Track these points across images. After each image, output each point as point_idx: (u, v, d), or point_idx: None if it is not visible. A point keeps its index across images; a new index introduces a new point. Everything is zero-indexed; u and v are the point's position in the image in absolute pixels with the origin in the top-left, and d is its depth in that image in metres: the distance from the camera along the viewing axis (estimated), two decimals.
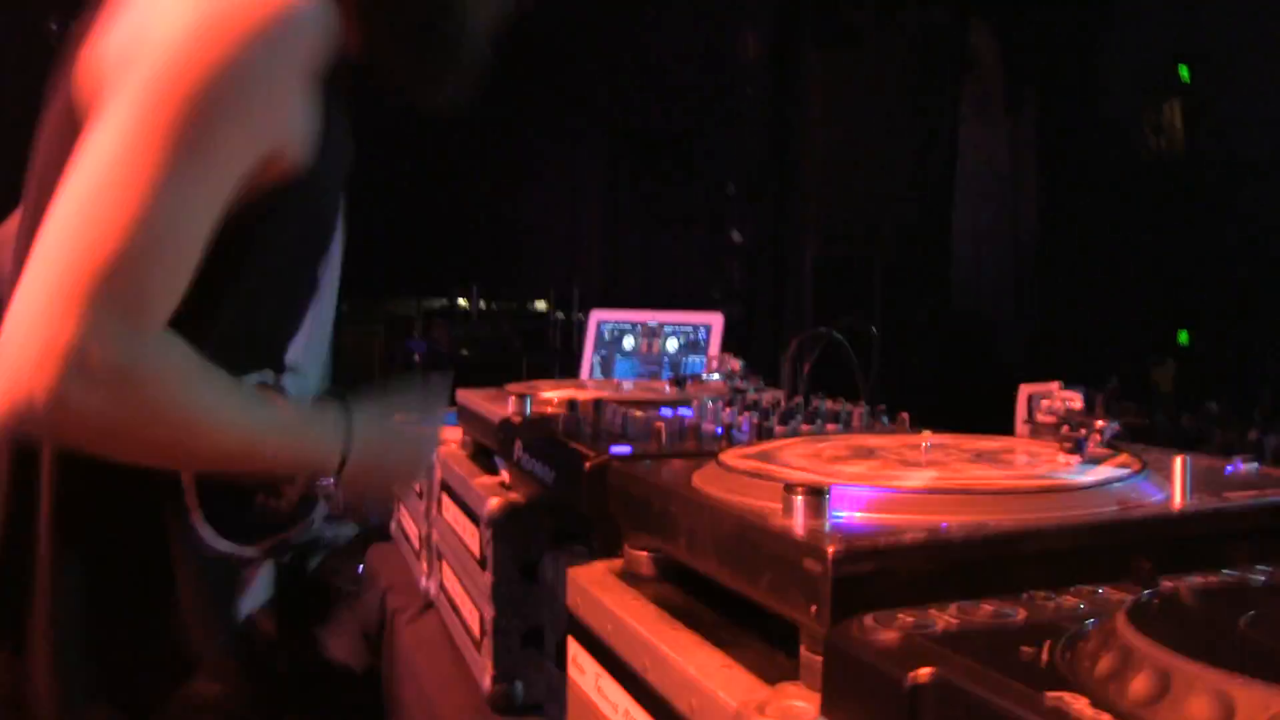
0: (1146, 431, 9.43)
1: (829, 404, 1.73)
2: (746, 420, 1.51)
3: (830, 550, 0.77)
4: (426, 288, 10.51)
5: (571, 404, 1.71)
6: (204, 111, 1.16)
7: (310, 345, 1.51)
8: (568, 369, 5.85)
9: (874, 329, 1.84)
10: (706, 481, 1.08)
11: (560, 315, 9.57)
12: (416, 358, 6.85)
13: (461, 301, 9.66)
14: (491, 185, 10.03)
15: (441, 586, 1.98)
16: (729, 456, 1.14)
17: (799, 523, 0.85)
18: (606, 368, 2.75)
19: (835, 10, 5.79)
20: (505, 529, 1.61)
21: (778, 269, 7.06)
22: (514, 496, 1.64)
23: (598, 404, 1.64)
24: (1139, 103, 13.11)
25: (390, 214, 10.47)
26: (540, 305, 10.02)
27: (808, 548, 0.80)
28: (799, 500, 0.85)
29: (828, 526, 0.84)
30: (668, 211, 9.44)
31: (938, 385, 6.91)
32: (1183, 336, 8.14)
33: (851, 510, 0.88)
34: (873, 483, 0.94)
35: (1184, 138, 8.13)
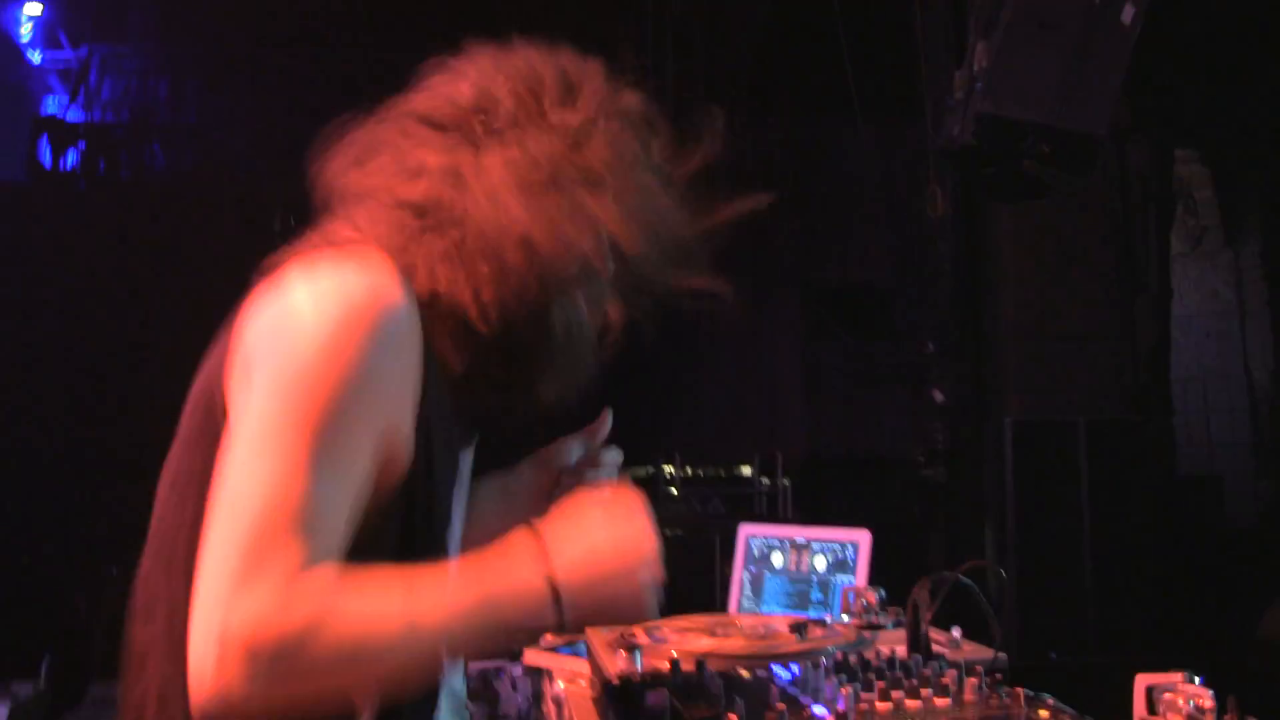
0: None
1: (949, 658, 1.59)
2: (842, 699, 1.39)
3: None
4: (630, 458, 10.44)
5: (674, 665, 1.64)
6: (334, 417, 1.28)
7: None
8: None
9: (1002, 571, 1.68)
10: None
11: (765, 481, 9.47)
12: None
13: (667, 469, 9.65)
14: (689, 351, 10.08)
15: None
16: None
17: None
18: (756, 585, 2.64)
19: (1018, 165, 5.62)
20: None
21: (977, 432, 6.78)
22: None
23: (700, 664, 1.58)
24: None
25: (591, 389, 10.56)
26: (745, 470, 9.93)
27: None
28: None
29: None
30: (868, 370, 9.27)
31: (1166, 558, 6.45)
32: None
33: None
34: None
35: None
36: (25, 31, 10.58)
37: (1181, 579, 6.73)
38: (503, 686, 4.05)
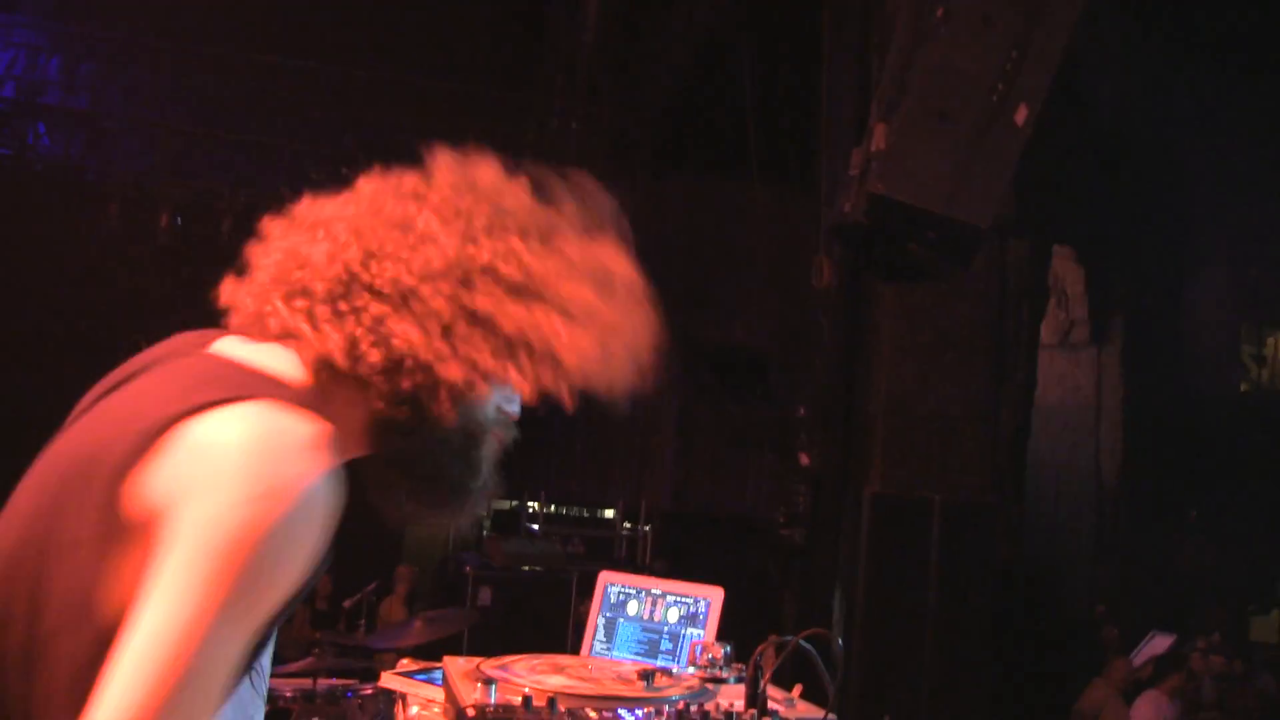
0: (1243, 682, 8.97)
1: (782, 715, 1.66)
2: None
3: None
4: (497, 490, 10.42)
5: (526, 700, 1.68)
6: (248, 590, 1.29)
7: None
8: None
9: (840, 641, 1.76)
10: None
11: (627, 526, 9.54)
12: (467, 569, 6.80)
13: (532, 505, 9.66)
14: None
15: None
16: None
17: None
18: (610, 630, 2.69)
19: (904, 248, 5.79)
20: None
21: (838, 499, 6.94)
22: None
23: (551, 701, 1.63)
24: (1237, 332, 12.93)
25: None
26: (608, 514, 9.99)
27: None
28: None
29: None
30: (738, 427, 9.42)
31: (1004, 636, 6.66)
32: None
33: None
34: None
35: None
36: None
37: (1016, 656, 6.96)
38: (349, 705, 4.03)
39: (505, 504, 10.35)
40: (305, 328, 1.41)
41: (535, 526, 9.17)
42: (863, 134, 6.04)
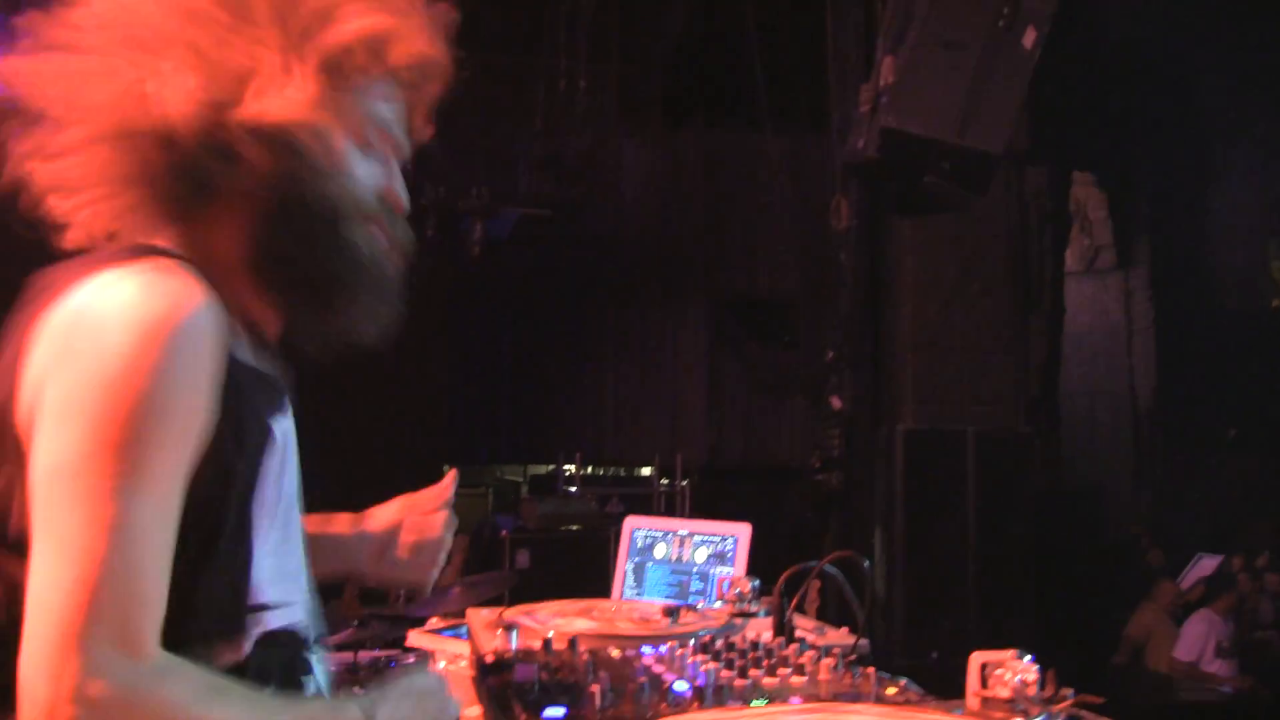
0: None
1: (810, 641, 1.66)
2: (703, 675, 1.45)
3: None
4: (533, 455, 10.62)
5: (546, 644, 1.68)
6: (142, 442, 1.25)
7: (285, 577, 1.50)
8: None
9: (867, 562, 1.75)
10: None
11: (664, 482, 9.56)
12: (504, 533, 6.82)
13: (568, 467, 9.70)
14: (596, 353, 10.15)
15: None
16: None
17: None
18: (639, 574, 2.70)
19: (919, 181, 5.74)
20: None
21: (873, 441, 6.92)
22: None
23: (573, 643, 1.63)
24: (1264, 248, 12.76)
25: (498, 384, 10.70)
26: (645, 471, 10.02)
27: None
28: None
29: None
30: (769, 376, 9.42)
31: (1047, 566, 6.65)
32: None
33: None
34: None
35: None
36: None
37: (1060, 584, 6.95)
38: (391, 675, 4.05)
39: (542, 468, 10.39)
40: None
41: (573, 489, 9.19)
42: (871, 70, 5.98)
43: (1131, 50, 8.51)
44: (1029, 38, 5.57)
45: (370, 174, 1.50)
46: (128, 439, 1.24)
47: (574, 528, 7.02)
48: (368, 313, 1.49)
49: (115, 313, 1.29)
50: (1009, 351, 7.06)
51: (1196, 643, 7.64)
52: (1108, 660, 7.85)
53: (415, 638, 2.34)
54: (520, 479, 10.91)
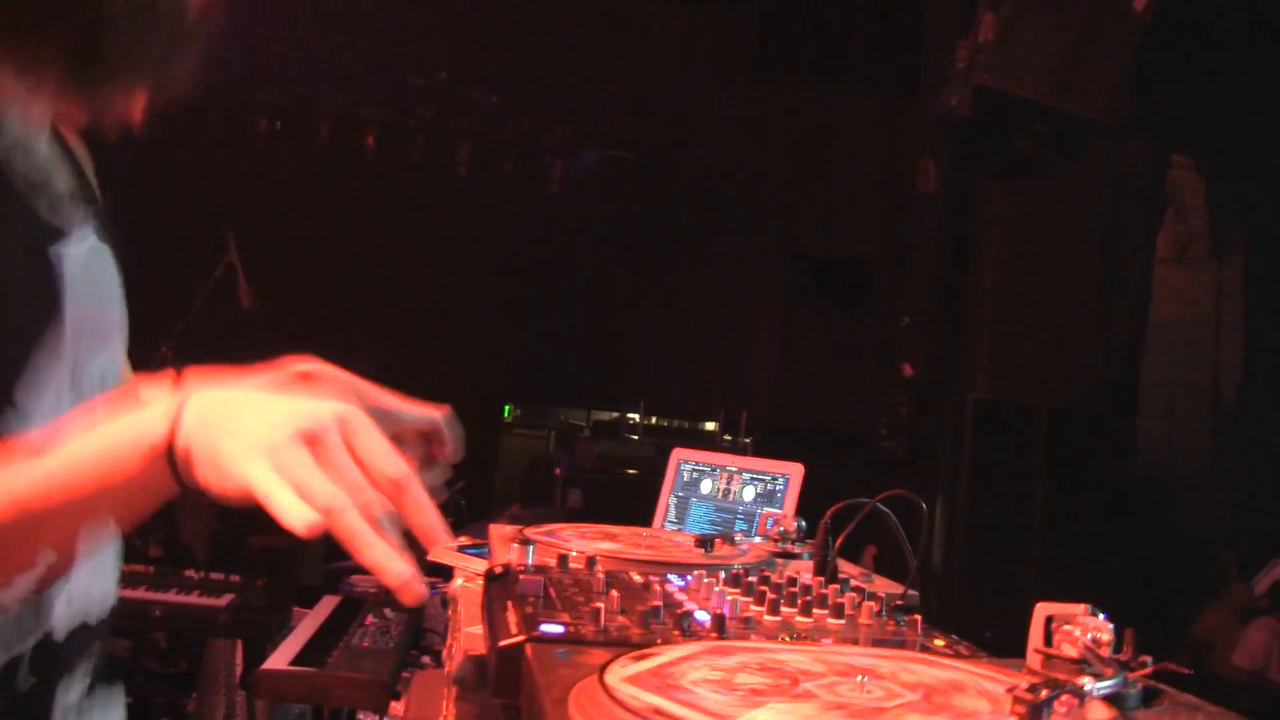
0: None
1: (854, 584, 1.52)
2: (728, 607, 1.32)
3: None
4: (598, 400, 10.50)
5: (562, 559, 1.57)
6: None
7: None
8: None
9: (924, 505, 1.62)
10: (581, 698, 0.90)
11: (727, 438, 9.44)
12: (557, 471, 6.76)
13: (632, 416, 9.61)
14: (667, 303, 10.02)
15: None
16: (621, 666, 0.95)
17: None
18: (682, 509, 2.58)
19: (1012, 143, 5.55)
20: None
21: (942, 410, 6.74)
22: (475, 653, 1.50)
23: (590, 561, 1.52)
24: None
25: (567, 326, 10.61)
26: (709, 425, 9.90)
27: None
28: None
29: None
30: (841, 338, 9.22)
31: (1113, 555, 6.43)
32: None
33: None
34: None
35: None
36: None
37: (1125, 576, 6.73)
38: (432, 603, 4.02)
39: (605, 415, 10.30)
40: None
41: (634, 437, 9.11)
42: (969, 26, 5.78)
43: (1247, 31, 8.16)
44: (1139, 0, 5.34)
45: None
46: None
47: (629, 471, 6.94)
48: (142, 48, 1.17)
49: None
50: (1090, 331, 6.84)
51: (1260, 650, 7.41)
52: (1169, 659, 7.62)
53: (437, 553, 2.25)
54: (584, 424, 10.84)
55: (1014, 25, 5.48)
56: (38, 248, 1.16)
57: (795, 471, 2.38)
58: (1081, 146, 5.81)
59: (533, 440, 10.61)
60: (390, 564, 0.94)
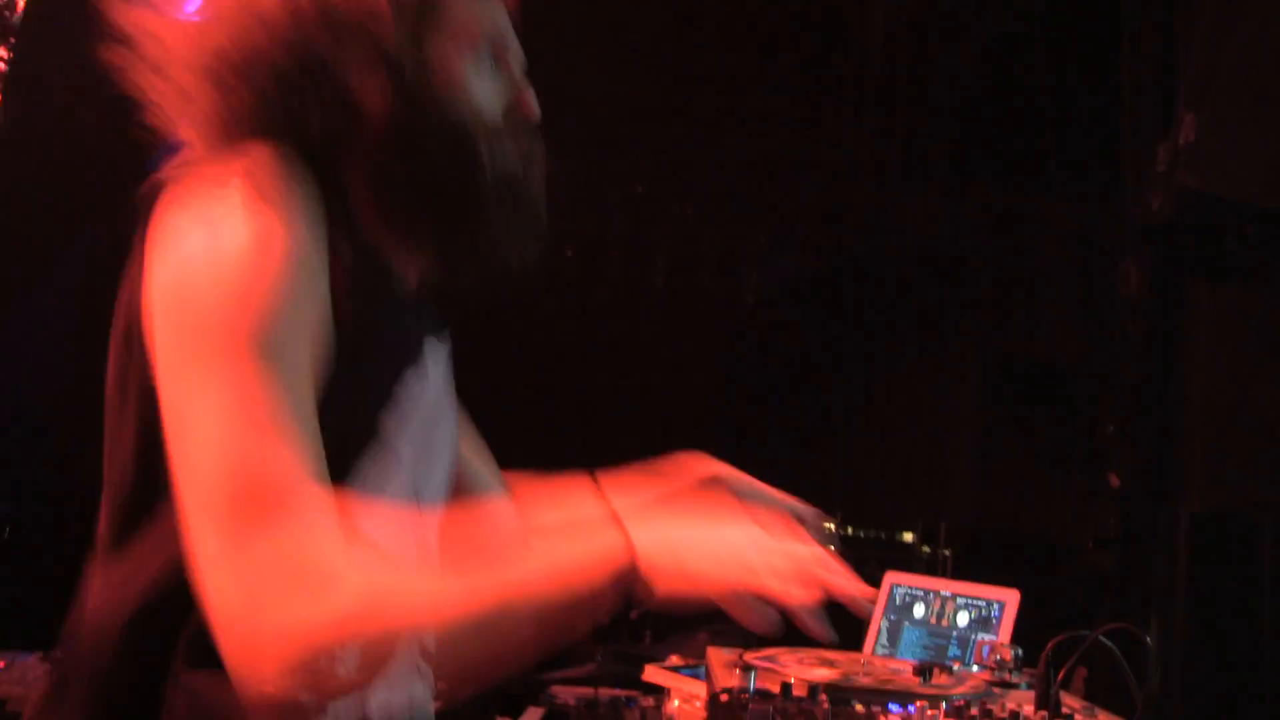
0: None
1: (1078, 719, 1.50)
2: None
3: None
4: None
5: (785, 687, 1.60)
6: (268, 329, 1.22)
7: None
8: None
9: (1148, 638, 1.57)
10: None
11: (926, 549, 9.25)
12: None
13: (829, 526, 9.49)
14: (864, 410, 9.93)
15: None
16: None
17: None
18: (894, 633, 2.56)
19: (1219, 245, 5.40)
20: None
21: (1152, 521, 6.48)
22: None
23: (813, 690, 1.56)
24: None
25: (761, 437, 10.60)
26: (907, 537, 9.72)
27: None
28: None
29: None
30: (1043, 448, 8.98)
31: None
32: None
33: None
34: None
35: None
36: None
37: None
38: (629, 714, 4.02)
39: None
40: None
41: (832, 548, 8.99)
42: (1169, 127, 5.67)
43: None
44: None
45: (492, 87, 1.43)
46: (256, 333, 1.20)
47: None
48: (506, 232, 1.41)
49: (216, 225, 1.26)
50: None
51: None
52: None
53: (651, 672, 2.28)
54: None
55: (1218, 124, 5.35)
56: (410, 350, 1.39)
57: (1011, 598, 2.34)
58: None
59: None
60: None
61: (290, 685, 1.07)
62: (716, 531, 1.28)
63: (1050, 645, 1.65)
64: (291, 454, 1.15)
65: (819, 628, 1.33)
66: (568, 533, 1.24)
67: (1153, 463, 6.78)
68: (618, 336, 9.51)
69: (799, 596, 1.25)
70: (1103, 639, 1.63)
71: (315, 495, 1.14)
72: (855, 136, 8.83)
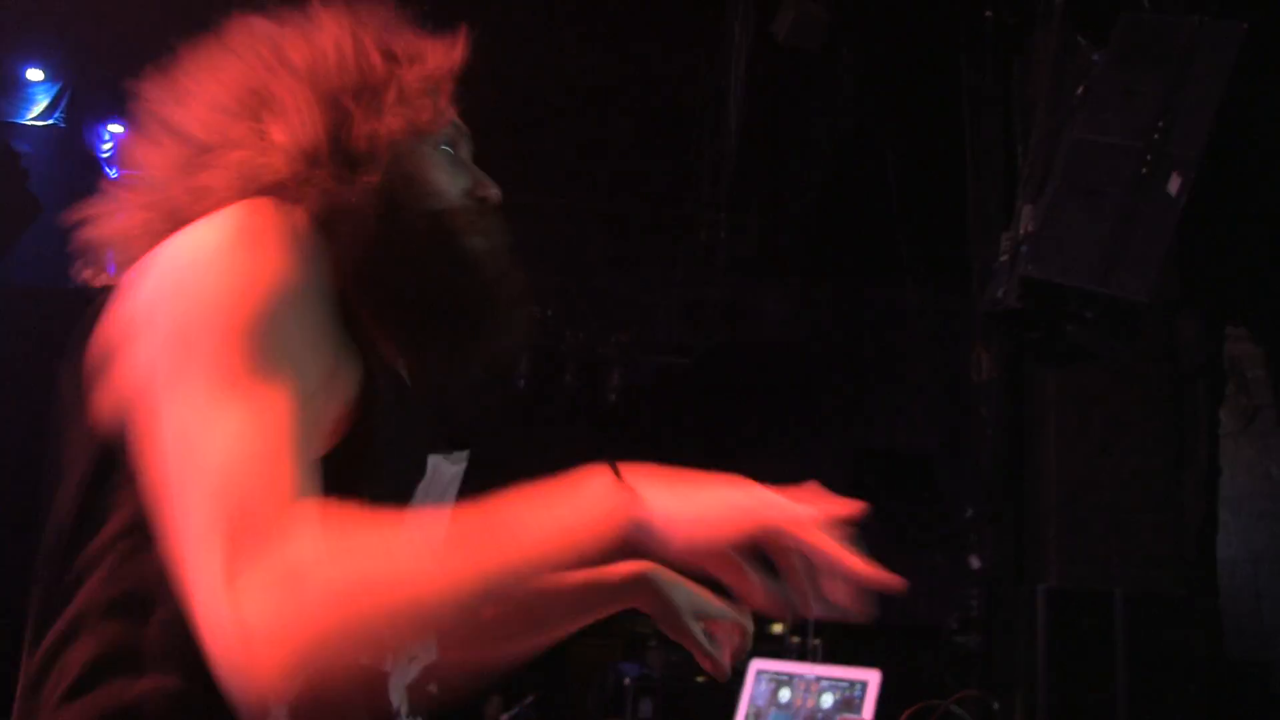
0: None
1: None
2: None
3: None
4: None
5: None
6: (259, 336, 1.17)
7: None
8: None
9: (995, 705, 1.62)
10: None
11: (795, 638, 9.30)
12: (626, 681, 6.67)
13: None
14: None
15: None
16: None
17: None
18: (761, 719, 2.57)
19: (1063, 330, 5.61)
20: None
21: (1014, 602, 6.63)
22: None
23: None
24: None
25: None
26: (776, 628, 9.76)
27: None
28: None
29: None
30: (907, 533, 9.16)
31: None
32: None
33: None
34: None
35: None
36: None
37: None
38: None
39: None
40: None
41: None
42: (1011, 219, 5.92)
43: None
44: (1174, 184, 5.45)
45: (454, 173, 1.45)
46: (245, 341, 1.16)
47: (700, 679, 6.84)
48: (498, 324, 1.41)
49: (207, 235, 1.23)
50: (1161, 510, 6.74)
51: None
52: None
53: None
54: (651, 630, 10.65)
55: (1054, 215, 5.59)
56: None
57: (873, 678, 2.37)
58: (1133, 327, 5.85)
59: (601, 647, 10.49)
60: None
61: (292, 685, 1.03)
62: (729, 491, 1.22)
63: (905, 715, 1.68)
64: (286, 475, 1.11)
65: (846, 595, 1.19)
66: (568, 492, 1.18)
67: (1011, 544, 6.96)
68: (481, 436, 9.46)
69: (824, 541, 1.16)
70: (954, 708, 1.67)
71: (305, 513, 1.11)
72: (711, 235, 9.02)
